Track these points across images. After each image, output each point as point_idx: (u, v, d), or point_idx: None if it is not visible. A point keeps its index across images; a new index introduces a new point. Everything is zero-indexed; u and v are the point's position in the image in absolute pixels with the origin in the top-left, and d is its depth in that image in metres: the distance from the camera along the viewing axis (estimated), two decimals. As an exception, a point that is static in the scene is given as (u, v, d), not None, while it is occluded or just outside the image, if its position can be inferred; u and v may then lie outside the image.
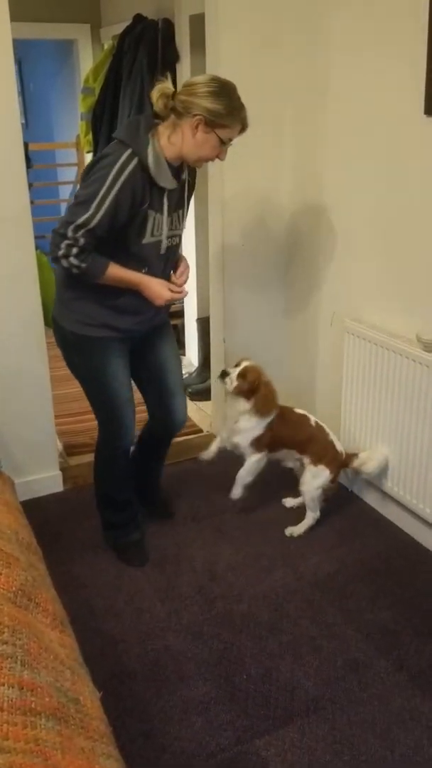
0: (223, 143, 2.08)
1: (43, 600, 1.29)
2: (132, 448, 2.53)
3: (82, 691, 1.10)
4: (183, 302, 4.35)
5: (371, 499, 2.91)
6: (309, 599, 2.38)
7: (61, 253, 2.02)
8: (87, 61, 5.02)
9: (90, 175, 2.05)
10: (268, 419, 2.62)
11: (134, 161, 2.00)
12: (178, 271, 2.34)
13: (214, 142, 2.06)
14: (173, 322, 4.45)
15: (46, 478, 3.00)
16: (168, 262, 2.29)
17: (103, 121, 4.04)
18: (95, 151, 4.21)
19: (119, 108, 3.92)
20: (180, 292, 2.27)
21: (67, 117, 5.95)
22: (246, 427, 2.64)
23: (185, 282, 2.33)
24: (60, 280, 2.27)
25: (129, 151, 2.01)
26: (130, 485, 2.59)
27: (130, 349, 2.38)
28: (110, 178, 1.98)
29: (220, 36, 2.80)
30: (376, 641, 2.17)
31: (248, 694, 2.00)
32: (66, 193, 6.21)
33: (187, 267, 2.38)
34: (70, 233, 2.00)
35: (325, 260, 2.98)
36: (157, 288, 2.19)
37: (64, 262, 2.04)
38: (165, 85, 2.04)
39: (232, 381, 2.55)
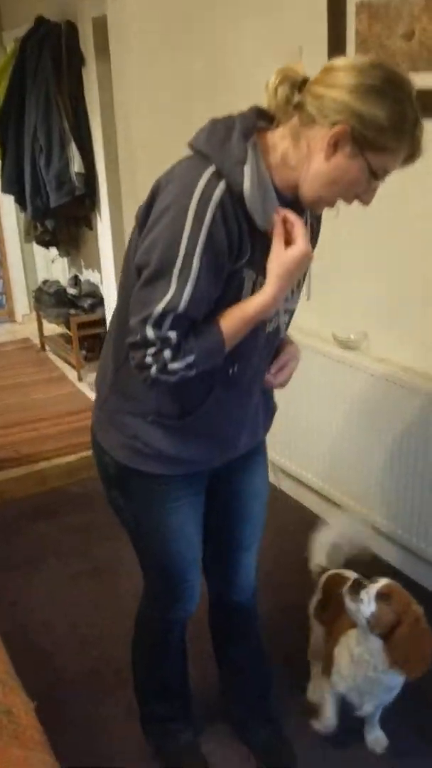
0: (374, 176, 1.23)
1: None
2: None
3: (14, 703, 1.11)
4: (104, 310, 4.34)
5: (298, 494, 2.98)
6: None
7: (153, 370, 1.26)
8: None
9: (153, 222, 1.24)
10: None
11: (221, 186, 1.20)
12: (275, 366, 1.50)
13: (357, 173, 1.22)
14: (96, 331, 4.48)
15: (-29, 496, 2.93)
16: (270, 353, 1.49)
17: (9, 128, 3.98)
18: (3, 161, 4.13)
19: (25, 114, 3.88)
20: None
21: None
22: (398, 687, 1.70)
23: (285, 382, 1.53)
24: (105, 375, 1.49)
25: (211, 169, 1.21)
26: (182, 668, 1.83)
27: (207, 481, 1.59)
28: (189, 219, 1.18)
29: (123, 39, 2.77)
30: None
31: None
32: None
33: (294, 358, 1.54)
34: (150, 334, 1.23)
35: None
36: (286, 257, 1.27)
37: (165, 377, 1.27)
38: (290, 66, 1.24)
39: (370, 602, 1.58)
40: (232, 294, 1.29)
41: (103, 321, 4.41)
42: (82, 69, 3.71)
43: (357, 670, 1.67)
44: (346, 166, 1.21)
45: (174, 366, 1.25)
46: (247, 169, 1.20)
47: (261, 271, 1.28)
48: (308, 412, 2.70)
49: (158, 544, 1.56)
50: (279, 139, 1.26)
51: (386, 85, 1.15)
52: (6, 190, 4.21)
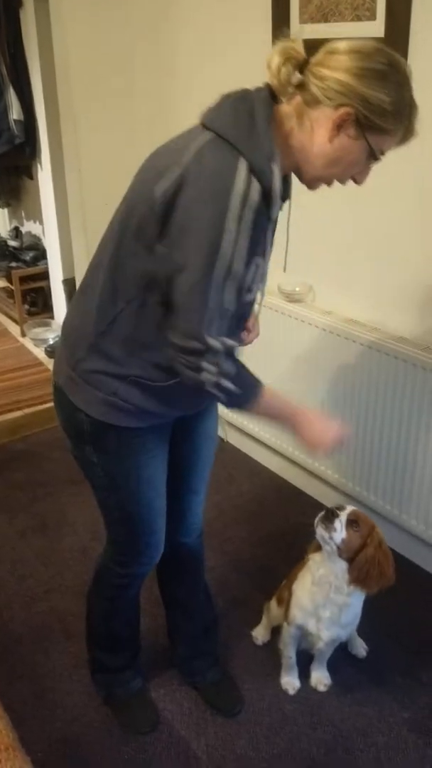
0: (373, 157, 1.26)
1: None
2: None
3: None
4: (48, 263, 4.24)
5: (240, 443, 3.03)
6: (190, 547, 2.46)
7: (212, 380, 1.27)
8: None
9: (187, 222, 1.20)
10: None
11: (255, 186, 1.18)
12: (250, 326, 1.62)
13: (358, 154, 1.25)
14: (39, 284, 4.39)
15: None
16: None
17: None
18: None
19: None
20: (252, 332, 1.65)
21: None
22: (356, 609, 1.80)
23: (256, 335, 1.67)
24: (84, 331, 1.43)
25: (245, 165, 1.18)
26: (136, 621, 1.88)
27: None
28: (231, 218, 1.16)
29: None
30: (254, 578, 2.29)
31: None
32: None
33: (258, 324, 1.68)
34: (210, 340, 1.23)
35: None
36: (318, 428, 1.44)
37: (216, 391, 1.30)
38: (292, 45, 1.21)
39: (342, 529, 1.67)
40: (251, 273, 1.28)
41: (46, 274, 4.31)
42: (20, 11, 3.54)
43: (319, 591, 1.75)
44: (349, 147, 1.23)
45: (226, 385, 1.28)
46: (275, 168, 1.20)
47: (262, 255, 1.30)
48: (253, 364, 2.71)
49: (130, 496, 1.57)
50: (285, 119, 1.25)
51: (389, 70, 1.17)
52: None
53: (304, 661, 1.93)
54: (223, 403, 1.34)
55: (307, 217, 2.42)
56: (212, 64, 2.61)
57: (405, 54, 1.94)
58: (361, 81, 1.16)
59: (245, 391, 1.33)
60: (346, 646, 2.01)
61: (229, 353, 1.28)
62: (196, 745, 1.74)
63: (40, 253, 4.36)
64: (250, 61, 2.39)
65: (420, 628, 2.10)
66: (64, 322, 1.54)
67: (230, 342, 1.26)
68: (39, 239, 4.50)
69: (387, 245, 2.22)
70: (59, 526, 2.58)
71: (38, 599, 2.23)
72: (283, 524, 2.58)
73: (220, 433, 3.08)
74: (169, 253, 1.22)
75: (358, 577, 1.66)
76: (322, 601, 1.75)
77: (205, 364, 1.25)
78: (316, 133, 1.22)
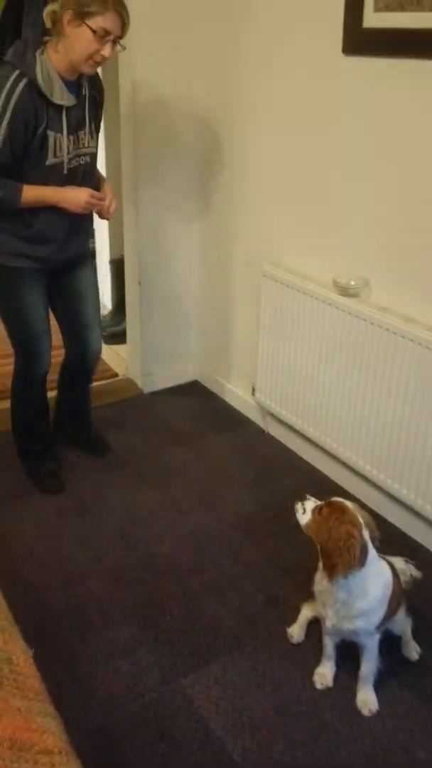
0: (98, 35, 1.97)
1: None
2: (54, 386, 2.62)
3: (14, 651, 1.09)
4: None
5: (285, 438, 2.98)
6: (229, 539, 2.43)
7: None
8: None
9: None
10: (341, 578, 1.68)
11: (23, 81, 1.97)
12: (102, 191, 2.33)
13: (87, 35, 1.97)
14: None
15: None
16: (84, 182, 2.26)
17: (5, 43, 3.75)
18: None
19: (22, 28, 3.65)
20: (101, 199, 2.26)
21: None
22: (372, 604, 1.73)
23: (110, 203, 2.33)
24: None
25: (17, 72, 1.97)
26: (44, 416, 2.68)
27: (50, 279, 2.40)
28: (1, 102, 1.96)
29: None
30: (294, 577, 2.26)
31: (172, 634, 2.04)
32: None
33: (112, 192, 2.37)
34: None
35: (242, 203, 2.93)
36: (72, 194, 2.18)
37: None
38: (52, 5, 2.00)
39: (306, 513, 1.78)
40: (38, 144, 2.06)
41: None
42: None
43: (319, 580, 1.82)
44: (77, 34, 1.98)
45: None
46: (39, 69, 2.00)
47: (59, 129, 2.09)
48: (298, 357, 2.66)
49: (17, 315, 2.36)
50: (53, 43, 2.04)
51: None
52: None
53: (350, 666, 1.89)
54: None
55: (368, 206, 2.35)
56: (279, 78, 2.53)
57: None
58: None
59: (9, 191, 2.07)
60: (400, 647, 1.97)
61: None
62: (232, 747, 1.71)
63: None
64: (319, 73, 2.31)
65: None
66: None
67: None
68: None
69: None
70: (98, 508, 2.56)
71: (76, 582, 2.22)
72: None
73: (262, 425, 3.05)
74: None
75: (324, 564, 1.68)
76: (320, 588, 1.80)
77: None
78: (66, 36, 1.99)
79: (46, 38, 2.06)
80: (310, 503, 1.79)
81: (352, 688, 1.87)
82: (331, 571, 1.64)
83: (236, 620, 2.09)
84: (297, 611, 2.08)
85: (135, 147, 2.93)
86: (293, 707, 1.82)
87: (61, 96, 2.07)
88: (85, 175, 2.27)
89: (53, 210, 2.19)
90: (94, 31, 1.96)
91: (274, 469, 2.84)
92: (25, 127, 2.01)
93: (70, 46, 2.00)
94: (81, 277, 2.49)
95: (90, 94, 2.20)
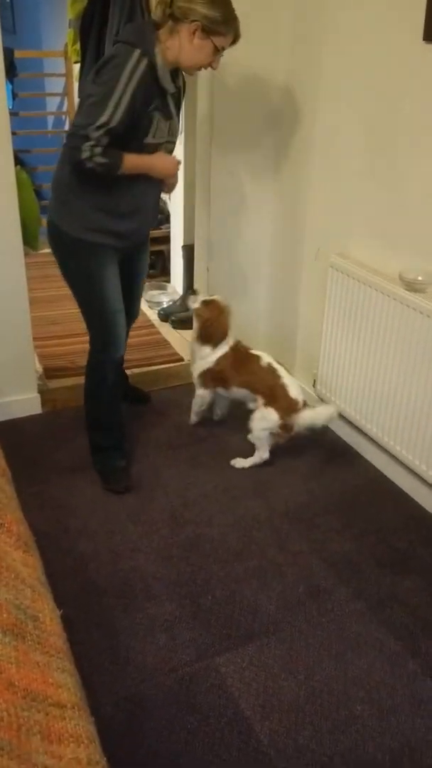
0: (218, 51, 2.18)
1: (7, 521, 1.32)
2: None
3: (41, 609, 1.14)
4: (170, 227, 4.27)
5: (344, 433, 2.95)
6: (277, 528, 2.44)
7: (86, 155, 2.08)
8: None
9: (101, 75, 2.10)
10: (215, 353, 2.74)
11: (145, 61, 2.08)
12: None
13: (209, 50, 2.16)
14: (159, 248, 4.44)
15: (23, 400, 3.02)
16: None
17: (91, 31, 3.84)
18: (82, 62, 4.03)
19: (109, 16, 3.73)
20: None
21: (56, 23, 5.66)
22: (198, 358, 2.78)
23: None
24: (62, 182, 2.31)
25: (139, 51, 2.08)
26: (118, 406, 2.64)
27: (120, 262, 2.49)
28: (125, 76, 2.05)
29: None
30: (339, 570, 2.25)
31: (212, 614, 2.07)
32: (54, 105, 5.98)
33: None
34: (93, 134, 2.06)
35: (313, 192, 2.91)
36: (163, 161, 2.31)
37: (89, 164, 2.10)
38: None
39: (196, 301, 2.75)
40: (145, 122, 2.18)
41: (167, 238, 4.35)
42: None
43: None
44: (201, 45, 2.15)
45: (97, 160, 2.10)
46: (158, 51, 2.13)
47: (163, 113, 2.22)
48: (362, 351, 2.63)
49: (96, 291, 2.39)
50: (163, 35, 2.16)
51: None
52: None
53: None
54: (103, 171, 2.14)
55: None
56: (359, 66, 2.50)
57: None
58: (202, 5, 2.08)
59: (113, 158, 2.13)
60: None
61: (105, 147, 2.10)
62: (260, 728, 1.73)
63: (164, 217, 4.40)
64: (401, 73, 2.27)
65: None
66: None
67: (106, 139, 2.09)
68: (165, 203, 4.53)
69: None
70: (152, 487, 2.63)
71: (125, 556, 2.28)
72: (376, 520, 2.50)
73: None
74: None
75: (200, 335, 2.75)
76: (194, 349, 2.86)
77: (86, 148, 2.08)
78: (182, 39, 2.14)
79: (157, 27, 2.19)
80: (201, 296, 2.78)
81: (387, 684, 1.86)
82: (206, 341, 2.75)
83: (276, 607, 2.11)
84: (338, 604, 2.08)
85: (210, 135, 2.95)
86: (324, 696, 1.83)
87: (168, 83, 2.19)
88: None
89: (143, 179, 2.29)
90: (216, 48, 2.16)
91: (329, 462, 2.83)
92: (142, 102, 2.11)
93: (189, 51, 2.15)
94: (140, 259, 2.64)
95: (179, 86, 2.32)
